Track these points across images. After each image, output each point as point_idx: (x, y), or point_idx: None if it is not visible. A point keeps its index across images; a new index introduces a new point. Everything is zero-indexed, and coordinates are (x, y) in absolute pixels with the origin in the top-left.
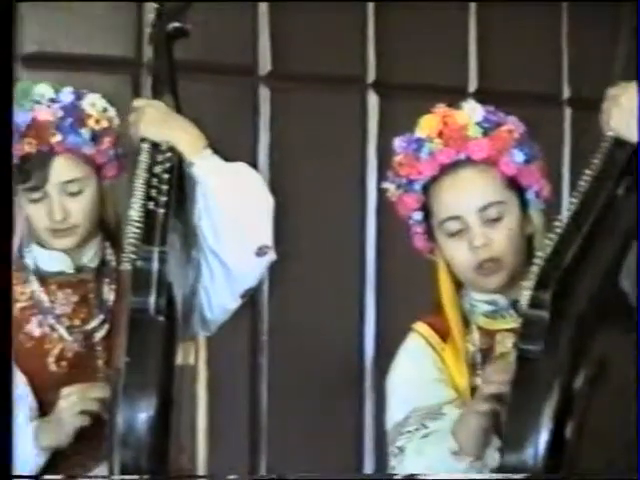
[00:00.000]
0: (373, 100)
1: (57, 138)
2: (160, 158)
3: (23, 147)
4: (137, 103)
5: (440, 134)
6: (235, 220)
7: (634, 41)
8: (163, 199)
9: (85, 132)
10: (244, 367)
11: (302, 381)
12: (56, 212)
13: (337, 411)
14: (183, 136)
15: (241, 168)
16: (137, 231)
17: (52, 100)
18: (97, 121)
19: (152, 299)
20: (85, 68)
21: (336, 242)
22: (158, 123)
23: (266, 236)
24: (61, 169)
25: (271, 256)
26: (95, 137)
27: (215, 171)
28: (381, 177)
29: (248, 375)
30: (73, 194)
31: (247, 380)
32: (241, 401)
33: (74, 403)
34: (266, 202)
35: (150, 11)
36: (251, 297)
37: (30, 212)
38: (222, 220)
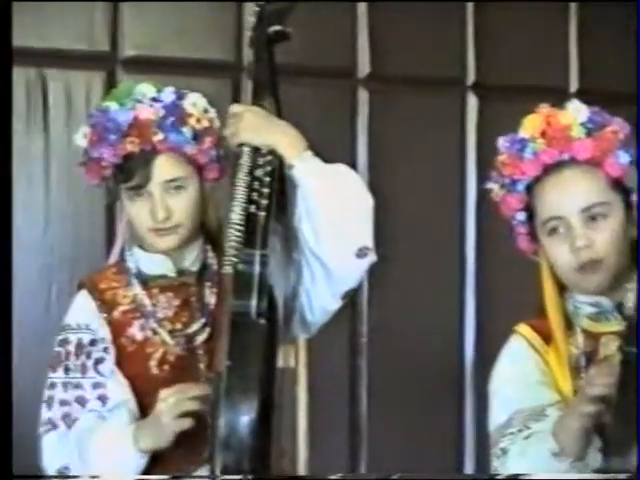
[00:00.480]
0: (472, 102)
1: (159, 137)
2: (261, 161)
3: (125, 146)
4: (234, 109)
5: (543, 134)
6: (336, 222)
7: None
8: (264, 202)
9: (186, 131)
10: (344, 369)
11: (402, 382)
12: (159, 211)
13: (437, 412)
14: (283, 139)
15: (341, 169)
16: (238, 234)
17: (154, 99)
18: (198, 120)
19: (254, 302)
20: (185, 72)
21: (435, 243)
22: (257, 128)
23: (367, 237)
24: (163, 168)
25: (372, 257)
26: (196, 136)
27: (315, 173)
28: (480, 178)
29: (348, 377)
30: (176, 193)
31: (347, 382)
32: (341, 403)
33: (173, 405)
34: (366, 203)
35: (251, 14)
36: (351, 299)
37: (132, 212)
38: (323, 222)
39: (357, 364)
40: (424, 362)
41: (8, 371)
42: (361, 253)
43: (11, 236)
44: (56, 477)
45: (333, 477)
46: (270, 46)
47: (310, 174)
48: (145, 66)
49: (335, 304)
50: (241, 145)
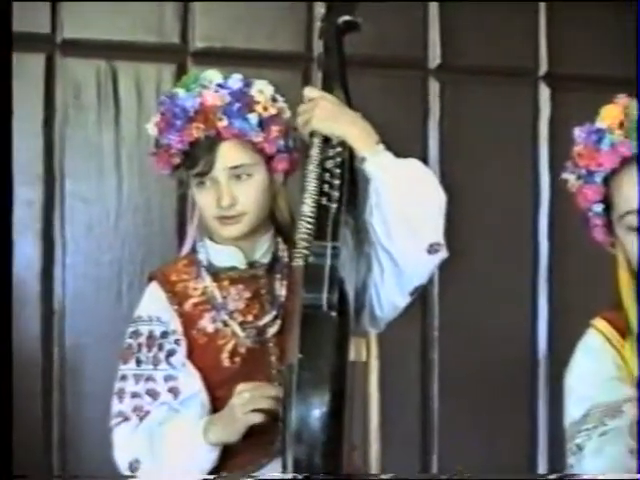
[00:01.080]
0: (545, 92)
1: (224, 123)
2: (331, 153)
3: (191, 132)
4: (310, 93)
5: (621, 125)
6: (407, 217)
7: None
8: (335, 194)
9: (252, 118)
10: (415, 363)
11: (474, 377)
12: (224, 197)
13: (509, 408)
14: (355, 131)
15: (413, 164)
16: (309, 227)
17: (220, 85)
18: (265, 108)
19: (324, 295)
20: (255, 63)
21: (508, 236)
22: (332, 117)
23: (438, 233)
24: (228, 154)
25: (443, 254)
26: (262, 124)
27: (387, 167)
28: (553, 170)
29: (419, 371)
30: (241, 180)
31: (418, 376)
32: (412, 397)
33: (247, 401)
34: (439, 198)
35: (320, 5)
36: (422, 292)
37: (200, 200)
38: (394, 217)
39: (429, 358)
40: (496, 357)
41: (8, 371)
42: (432, 249)
43: (11, 236)
44: (56, 477)
45: (384, 477)
46: (340, 37)
47: (382, 168)
48: (215, 58)
49: (404, 300)
50: (312, 134)
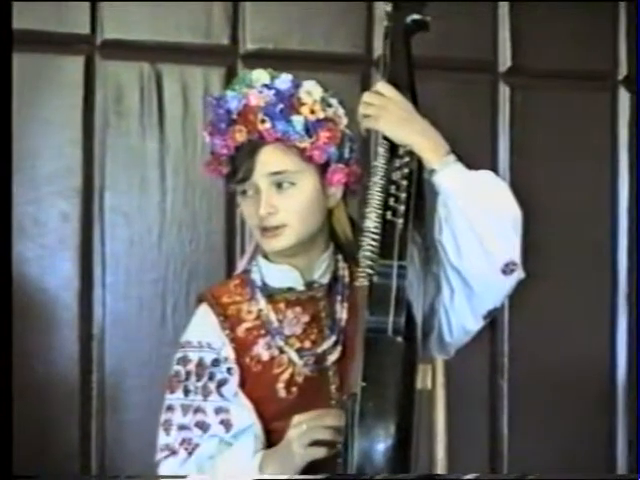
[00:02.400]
0: (624, 97)
1: (266, 125)
2: (398, 163)
3: (235, 136)
4: (384, 89)
5: None
6: (480, 234)
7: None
8: (402, 208)
9: (297, 121)
10: (483, 391)
11: (546, 407)
12: (263, 205)
13: (585, 440)
14: (425, 141)
15: (487, 177)
16: (374, 243)
17: (266, 86)
18: (312, 111)
19: (390, 318)
20: (310, 66)
21: (584, 255)
22: (402, 124)
23: (514, 252)
24: (270, 159)
25: (519, 274)
26: (308, 128)
27: (459, 180)
28: (634, 180)
29: (488, 399)
30: (283, 188)
31: (487, 405)
32: (481, 427)
33: (305, 433)
34: (514, 214)
35: (382, 4)
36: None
37: (244, 210)
38: (465, 234)
39: (498, 386)
40: (571, 385)
41: (8, 371)
42: (507, 269)
43: (11, 237)
44: (54, 477)
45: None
46: (408, 37)
47: (453, 180)
48: (267, 60)
49: (476, 324)
50: (380, 143)
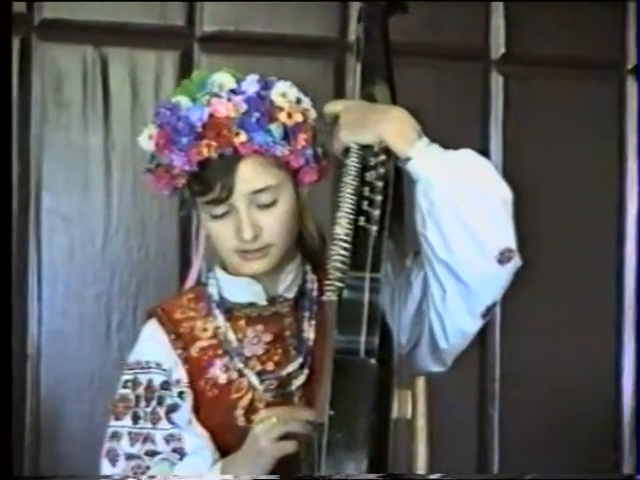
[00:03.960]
0: (631, 87)
1: (242, 137)
2: (372, 161)
3: (201, 150)
4: (332, 109)
5: None
6: (468, 222)
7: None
8: (376, 213)
9: (275, 129)
10: (470, 421)
11: (542, 439)
12: (246, 229)
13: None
14: (391, 127)
15: (468, 157)
16: (344, 253)
17: (233, 92)
18: (289, 115)
19: (362, 338)
20: (277, 52)
21: (585, 259)
22: (358, 123)
23: (508, 237)
24: (250, 176)
25: (516, 261)
26: (287, 135)
27: (436, 164)
28: None
29: (476, 431)
30: (265, 206)
31: (475, 437)
32: (468, 463)
33: (274, 426)
34: (503, 195)
35: None
36: (479, 332)
37: (214, 231)
38: (452, 224)
39: (487, 415)
40: (571, 415)
41: (8, 371)
42: (503, 257)
43: (11, 237)
44: (52, 477)
45: None
46: (385, 19)
47: (430, 166)
48: (227, 45)
49: (474, 325)
50: (346, 151)
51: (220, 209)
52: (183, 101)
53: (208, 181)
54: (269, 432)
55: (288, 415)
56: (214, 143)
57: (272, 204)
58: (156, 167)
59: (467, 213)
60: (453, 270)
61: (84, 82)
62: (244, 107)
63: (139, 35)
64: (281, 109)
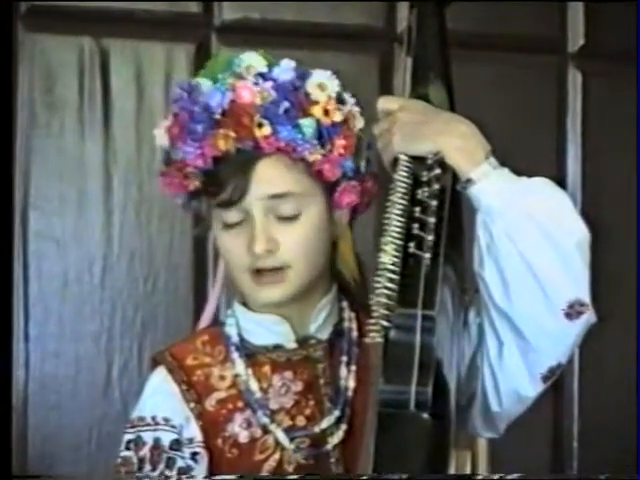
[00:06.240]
0: None
1: (265, 130)
2: (425, 176)
3: (217, 143)
4: (386, 104)
5: None
6: (534, 266)
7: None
8: (430, 238)
9: (307, 125)
10: None
11: None
12: (258, 240)
13: None
14: (453, 142)
15: (542, 187)
16: (391, 286)
17: (262, 76)
18: (326, 112)
19: (413, 388)
20: (311, 44)
21: None
22: (417, 131)
23: (580, 287)
24: (268, 176)
25: (589, 317)
26: (322, 135)
27: (502, 190)
28: None
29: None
30: (287, 219)
31: None
32: None
33: None
34: (579, 238)
35: None
36: (555, 382)
37: (225, 244)
38: (515, 266)
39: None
40: None
41: (8, 371)
42: (572, 311)
43: (12, 243)
44: (49, 477)
45: None
46: (441, 8)
47: (494, 192)
48: (251, 36)
49: (534, 388)
50: (394, 162)
51: (233, 215)
52: (204, 83)
53: (221, 179)
54: None
55: None
56: (232, 134)
57: (294, 217)
58: (169, 166)
59: (533, 254)
60: (512, 321)
61: (80, 80)
62: (272, 95)
63: (146, 24)
64: (316, 102)
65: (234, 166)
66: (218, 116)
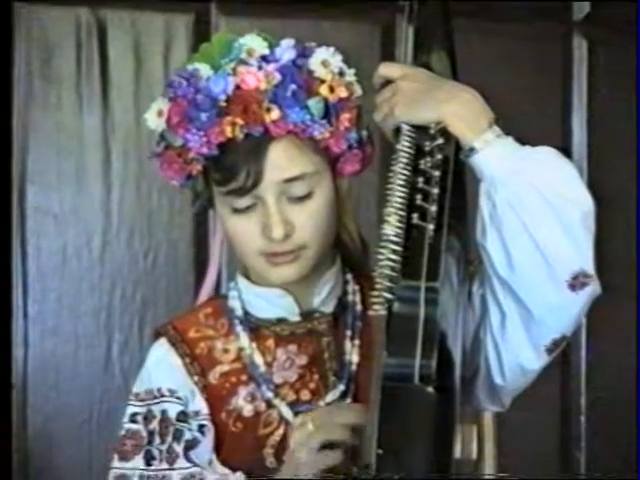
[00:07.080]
0: None
1: (274, 115)
2: (428, 146)
3: (224, 129)
4: (387, 71)
5: None
6: (536, 233)
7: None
8: (433, 209)
9: (315, 105)
10: (551, 465)
11: None
12: (276, 226)
13: None
14: (456, 110)
15: (546, 156)
16: (395, 257)
17: (264, 59)
18: (331, 89)
19: (417, 361)
20: (312, 13)
21: None
22: (419, 100)
23: (584, 258)
24: (282, 161)
25: (593, 288)
26: (329, 113)
27: (506, 159)
28: None
29: (557, 474)
30: (299, 199)
31: None
32: None
33: (314, 433)
34: (584, 208)
35: None
36: (562, 355)
37: (235, 229)
38: (518, 236)
39: (572, 458)
40: None
41: (8, 370)
42: (577, 282)
43: (10, 219)
44: None
45: None
46: None
47: (497, 160)
48: (251, 5)
49: (538, 361)
50: (396, 132)
51: (244, 201)
52: (203, 69)
53: (231, 167)
54: (307, 442)
55: (328, 420)
56: (240, 121)
57: (307, 197)
58: (166, 150)
59: (536, 224)
60: (515, 292)
61: (78, 52)
62: (277, 78)
63: None
64: (322, 81)
65: (244, 153)
66: (223, 103)
